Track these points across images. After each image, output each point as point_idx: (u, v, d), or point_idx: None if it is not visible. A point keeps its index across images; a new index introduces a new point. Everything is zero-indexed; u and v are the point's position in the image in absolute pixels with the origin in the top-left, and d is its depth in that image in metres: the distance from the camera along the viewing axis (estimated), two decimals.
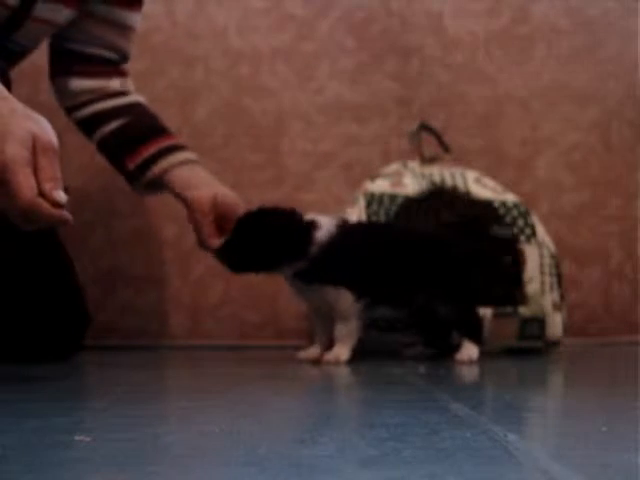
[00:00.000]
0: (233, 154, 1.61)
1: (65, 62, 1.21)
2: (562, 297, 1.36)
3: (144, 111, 1.23)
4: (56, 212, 0.70)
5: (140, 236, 1.58)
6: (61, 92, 1.23)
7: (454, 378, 0.96)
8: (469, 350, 1.13)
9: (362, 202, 1.33)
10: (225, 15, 1.62)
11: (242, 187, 1.61)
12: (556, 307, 1.33)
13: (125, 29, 1.20)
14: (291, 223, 1.07)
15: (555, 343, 1.35)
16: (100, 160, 1.30)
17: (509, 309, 1.30)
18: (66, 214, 0.71)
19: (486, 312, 1.27)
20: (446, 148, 1.44)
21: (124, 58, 1.23)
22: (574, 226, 1.64)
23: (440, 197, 1.32)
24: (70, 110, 1.23)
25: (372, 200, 1.33)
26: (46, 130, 0.71)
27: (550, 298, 1.33)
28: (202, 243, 1.15)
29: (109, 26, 1.18)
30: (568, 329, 1.40)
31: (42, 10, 1.08)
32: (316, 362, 1.09)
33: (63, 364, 1.10)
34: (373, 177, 1.38)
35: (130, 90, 1.24)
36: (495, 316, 1.29)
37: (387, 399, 0.72)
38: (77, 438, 0.50)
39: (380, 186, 1.35)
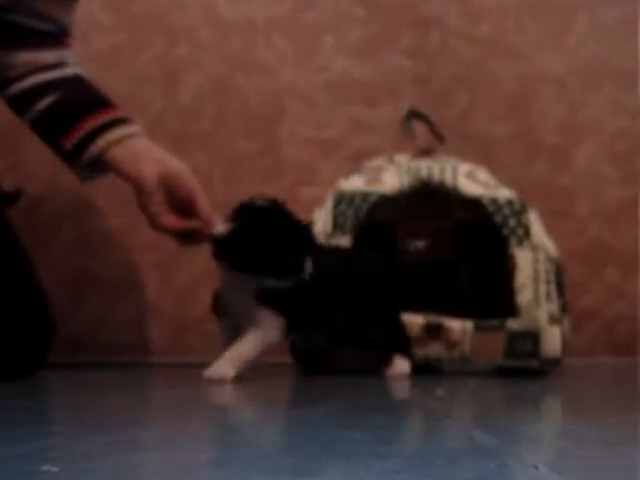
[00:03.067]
0: (223, 141, 1.61)
1: None
2: (564, 308, 1.35)
3: (80, 84, 1.22)
4: None
5: (115, 235, 1.59)
6: None
7: (475, 401, 0.97)
8: (400, 365, 1.23)
9: (330, 203, 1.37)
10: None
11: (234, 180, 1.62)
12: (554, 320, 1.30)
13: None
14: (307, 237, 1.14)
15: (553, 362, 1.32)
16: None
17: (494, 322, 1.30)
18: None
19: (466, 325, 1.29)
20: (440, 138, 1.44)
21: (63, 31, 1.23)
22: (617, 226, 1.64)
23: (420, 195, 1.36)
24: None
25: (341, 199, 1.36)
26: None
27: (546, 309, 1.30)
28: (153, 225, 1.15)
29: None
30: (603, 346, 1.40)
31: None
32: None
33: (25, 383, 1.11)
34: (350, 173, 1.41)
35: (67, 61, 1.23)
36: (477, 330, 1.29)
37: (400, 425, 0.73)
38: (44, 468, 0.50)
39: (353, 184, 1.38)
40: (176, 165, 1.16)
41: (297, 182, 1.61)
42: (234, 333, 1.17)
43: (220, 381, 1.12)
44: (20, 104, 1.21)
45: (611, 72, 1.67)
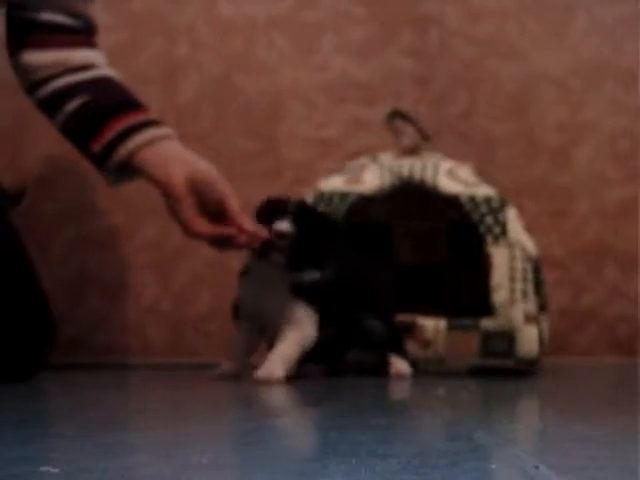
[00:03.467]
0: (223, 141, 1.61)
1: (21, 33, 1.19)
2: (543, 307, 1.35)
3: (111, 86, 1.21)
4: None
5: (115, 235, 1.59)
6: (19, 69, 1.21)
7: (475, 401, 0.97)
8: (400, 365, 1.26)
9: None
10: None
11: (233, 179, 1.61)
12: (530, 319, 1.30)
13: None
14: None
15: (529, 362, 1.31)
16: (69, 146, 1.30)
17: (468, 321, 1.31)
18: None
19: (439, 324, 1.29)
20: (425, 136, 1.45)
21: (89, 27, 1.22)
22: (619, 226, 1.64)
23: (400, 194, 1.39)
24: (30, 90, 1.22)
25: (320, 200, 1.37)
26: None
27: (522, 308, 1.30)
28: (185, 230, 1.14)
29: None
30: (603, 346, 1.40)
31: None
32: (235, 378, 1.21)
33: (25, 385, 1.11)
34: (331, 173, 1.43)
35: (97, 63, 1.22)
36: (451, 328, 1.30)
37: (401, 425, 0.73)
38: (43, 469, 0.50)
39: (332, 184, 1.39)
40: (206, 168, 1.15)
41: (296, 181, 1.61)
42: (251, 335, 1.24)
43: (272, 382, 1.12)
44: (50, 106, 1.20)
45: (611, 72, 1.67)
